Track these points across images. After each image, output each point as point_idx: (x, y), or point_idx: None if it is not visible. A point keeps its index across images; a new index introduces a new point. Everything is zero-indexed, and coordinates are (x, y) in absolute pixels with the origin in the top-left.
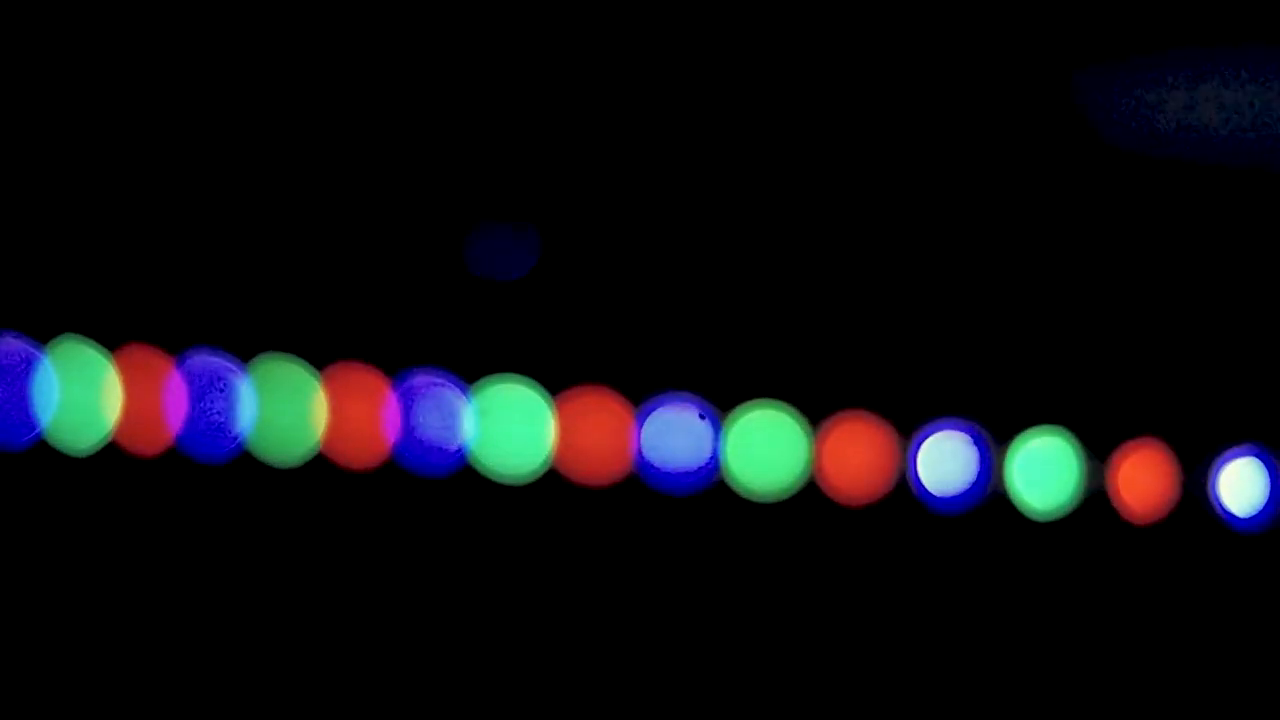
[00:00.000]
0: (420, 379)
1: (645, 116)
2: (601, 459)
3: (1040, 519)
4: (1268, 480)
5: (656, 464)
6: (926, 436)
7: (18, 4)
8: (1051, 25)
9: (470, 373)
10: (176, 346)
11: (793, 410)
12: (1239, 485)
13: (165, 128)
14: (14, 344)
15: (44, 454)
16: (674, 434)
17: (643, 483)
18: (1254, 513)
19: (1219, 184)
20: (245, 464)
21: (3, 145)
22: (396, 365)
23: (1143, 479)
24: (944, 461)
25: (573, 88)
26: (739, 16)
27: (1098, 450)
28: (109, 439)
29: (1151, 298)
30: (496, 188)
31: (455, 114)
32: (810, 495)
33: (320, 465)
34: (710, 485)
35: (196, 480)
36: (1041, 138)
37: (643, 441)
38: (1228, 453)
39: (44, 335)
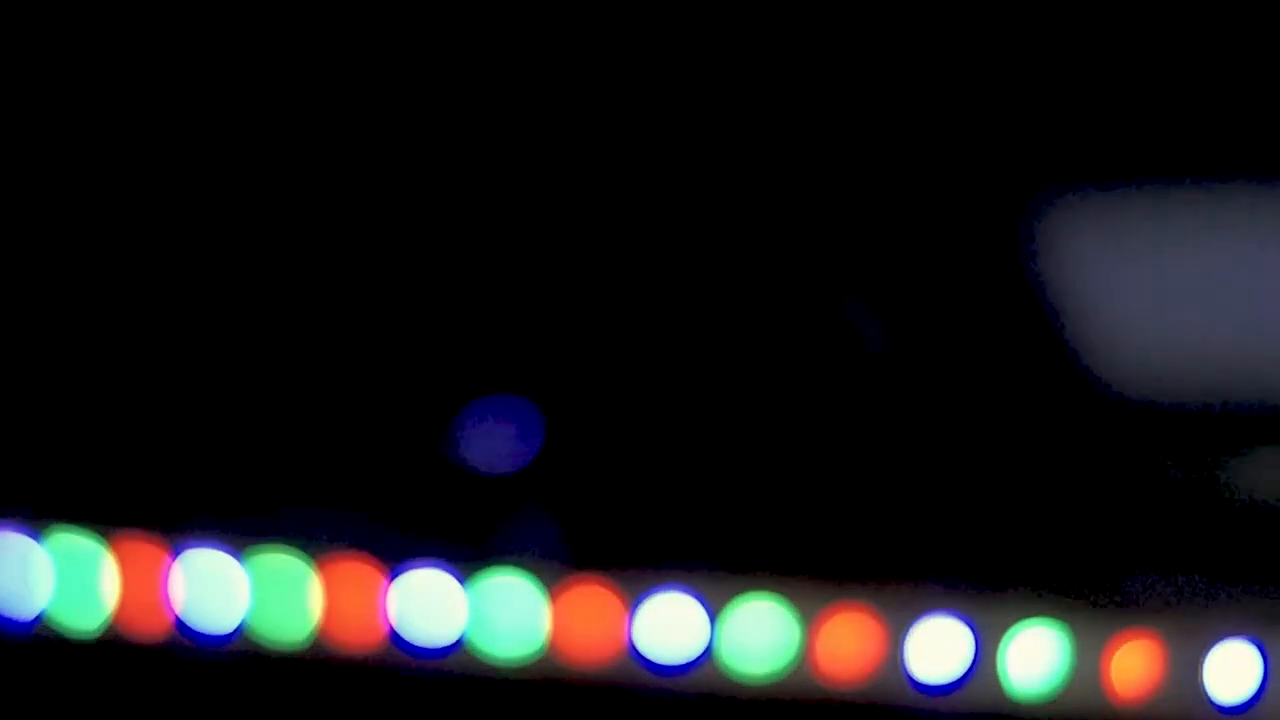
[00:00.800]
0: (414, 567)
1: (628, 315)
2: (595, 646)
3: (1030, 705)
4: (1259, 667)
5: (648, 653)
6: (916, 623)
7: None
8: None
9: (466, 562)
10: (172, 534)
11: (785, 599)
12: (1226, 672)
13: (147, 311)
14: (10, 531)
15: (43, 639)
16: (666, 622)
17: (635, 669)
18: (1243, 700)
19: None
20: (242, 649)
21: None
22: (392, 554)
23: (1133, 667)
24: (935, 650)
25: (553, 286)
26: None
27: (1089, 638)
28: (108, 625)
29: (1136, 485)
30: (489, 377)
31: (449, 303)
32: (801, 680)
33: (317, 650)
34: (702, 672)
35: (194, 665)
36: (1034, 331)
37: (634, 630)
38: (1217, 639)
39: (39, 522)
